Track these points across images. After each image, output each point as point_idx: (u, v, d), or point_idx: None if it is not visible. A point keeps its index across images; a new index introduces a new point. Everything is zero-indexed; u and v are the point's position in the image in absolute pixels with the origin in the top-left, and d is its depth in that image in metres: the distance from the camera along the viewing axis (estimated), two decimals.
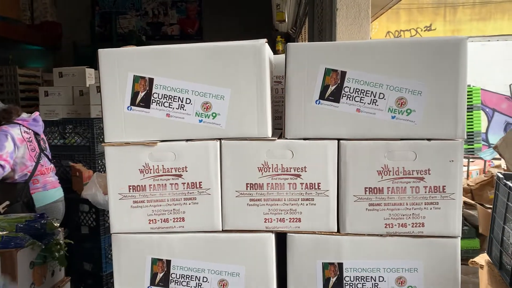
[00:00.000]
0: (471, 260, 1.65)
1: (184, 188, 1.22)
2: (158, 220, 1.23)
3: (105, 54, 1.20)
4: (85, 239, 2.90)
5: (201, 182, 1.22)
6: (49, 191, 2.71)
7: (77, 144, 3.21)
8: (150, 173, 1.22)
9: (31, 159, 2.57)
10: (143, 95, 1.21)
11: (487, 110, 8.10)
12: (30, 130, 2.63)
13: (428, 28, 8.67)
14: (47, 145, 2.80)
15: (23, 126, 2.59)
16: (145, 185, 1.22)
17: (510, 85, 8.25)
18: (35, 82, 7.00)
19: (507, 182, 1.39)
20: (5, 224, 1.95)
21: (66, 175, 3.21)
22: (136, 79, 1.20)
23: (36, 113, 2.75)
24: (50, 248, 2.00)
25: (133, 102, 1.21)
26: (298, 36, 5.27)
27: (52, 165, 2.80)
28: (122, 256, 1.25)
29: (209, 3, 7.35)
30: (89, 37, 7.83)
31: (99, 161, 3.19)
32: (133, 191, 1.23)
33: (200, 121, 1.21)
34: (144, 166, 1.22)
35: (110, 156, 1.22)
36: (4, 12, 6.67)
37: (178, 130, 1.21)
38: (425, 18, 8.69)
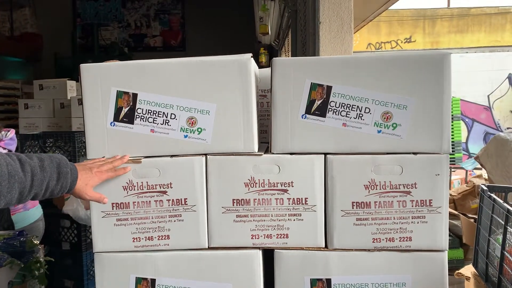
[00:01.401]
0: (457, 272, 1.65)
1: (169, 205, 1.19)
2: (142, 238, 1.20)
3: (87, 69, 1.18)
4: (66, 256, 2.83)
5: (186, 198, 1.19)
6: (29, 211, 2.62)
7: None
8: (134, 190, 1.19)
9: None
10: (126, 110, 1.18)
11: (466, 120, 8.27)
12: (6, 149, 2.56)
13: (408, 40, 8.84)
14: None
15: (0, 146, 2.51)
16: (128, 202, 1.19)
17: (488, 96, 8.44)
18: (14, 94, 6.87)
19: (491, 195, 1.40)
20: None
21: None
22: (120, 94, 1.18)
23: (12, 131, 2.67)
24: (29, 266, 1.94)
25: (116, 118, 1.19)
26: (281, 48, 5.31)
27: None
28: (105, 275, 1.21)
29: (192, 15, 7.35)
30: (71, 48, 7.73)
31: None
32: (116, 209, 1.20)
33: (185, 136, 1.19)
34: (127, 183, 1.19)
35: None
36: None
37: (162, 146, 1.19)
38: (405, 31, 8.88)
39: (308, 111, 1.16)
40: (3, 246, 1.92)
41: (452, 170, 4.10)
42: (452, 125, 5.13)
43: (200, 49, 7.19)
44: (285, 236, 1.19)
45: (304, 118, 1.17)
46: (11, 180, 1.00)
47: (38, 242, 2.03)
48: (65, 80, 5.03)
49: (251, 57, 1.20)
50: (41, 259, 2.03)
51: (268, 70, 1.29)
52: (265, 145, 1.28)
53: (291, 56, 3.10)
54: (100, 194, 1.16)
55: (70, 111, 4.69)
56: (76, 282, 2.83)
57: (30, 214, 2.60)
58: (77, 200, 2.69)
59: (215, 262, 1.20)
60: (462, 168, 3.97)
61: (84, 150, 3.26)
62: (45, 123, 4.89)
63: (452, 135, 5.31)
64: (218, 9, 7.07)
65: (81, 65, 1.18)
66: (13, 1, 7.59)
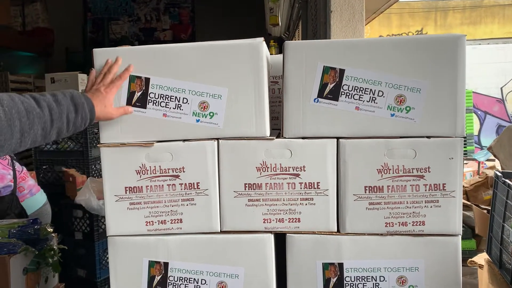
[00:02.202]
0: (470, 260, 1.64)
1: (181, 189, 1.20)
2: (155, 222, 1.21)
3: (99, 54, 1.18)
4: (79, 245, 2.86)
5: (198, 182, 1.20)
6: (35, 196, 2.65)
7: (70, 149, 3.17)
8: (147, 174, 1.20)
9: (5, 168, 2.48)
10: (139, 95, 1.19)
11: (479, 113, 8.16)
12: None
13: (419, 32, 8.74)
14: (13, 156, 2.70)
15: None
16: (141, 186, 1.20)
17: (501, 88, 8.32)
18: (27, 88, 6.94)
19: (506, 180, 1.38)
20: None
21: (59, 180, 3.17)
22: (132, 78, 1.19)
23: None
24: (43, 254, 1.97)
25: (129, 102, 1.19)
26: (291, 40, 5.28)
27: (24, 168, 2.70)
28: (119, 259, 1.23)
29: (202, 8, 7.35)
30: (81, 43, 7.78)
31: (93, 166, 3.15)
32: (129, 193, 1.20)
33: (198, 120, 1.19)
34: (140, 167, 1.20)
35: (106, 157, 1.20)
36: None
37: (175, 130, 1.20)
38: (416, 23, 8.78)
39: (320, 94, 1.16)
40: (17, 234, 1.94)
41: (464, 162, 4.06)
42: None
43: (209, 41, 7.21)
44: (297, 220, 1.19)
45: (317, 102, 1.16)
46: (30, 116, 1.00)
47: (52, 230, 2.05)
48: (76, 74, 5.06)
49: (263, 41, 1.20)
50: (54, 247, 2.06)
51: (279, 56, 1.29)
52: (277, 131, 1.28)
53: None
54: (122, 107, 1.17)
55: None
56: (89, 271, 2.86)
57: (37, 199, 2.63)
58: (90, 190, 2.72)
59: (227, 246, 1.20)
60: (474, 159, 3.92)
61: (96, 141, 3.29)
62: None
63: None
64: (228, 1, 7.06)
65: (94, 49, 1.19)
66: None
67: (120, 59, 1.17)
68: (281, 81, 1.24)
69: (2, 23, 6.88)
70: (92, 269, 2.84)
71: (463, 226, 2.58)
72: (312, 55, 1.15)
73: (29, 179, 2.62)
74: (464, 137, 1.14)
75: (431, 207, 1.16)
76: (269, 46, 5.74)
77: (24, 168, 2.67)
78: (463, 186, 3.18)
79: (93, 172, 3.16)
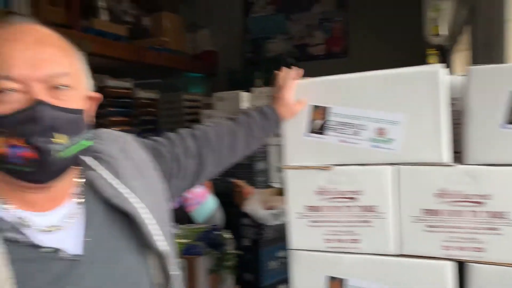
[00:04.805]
0: None
1: (358, 211, 1.27)
2: (334, 240, 1.30)
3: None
4: (246, 251, 3.12)
5: (375, 206, 1.25)
6: (205, 204, 2.94)
7: (238, 162, 3.50)
8: (326, 195, 1.30)
9: None
10: (319, 122, 1.30)
11: None
12: None
13: None
14: None
15: None
16: (321, 206, 1.31)
17: None
18: (197, 106, 7.83)
19: None
20: (188, 233, 2.24)
21: (229, 189, 3.53)
22: (313, 108, 1.31)
23: None
24: (223, 257, 2.23)
25: (310, 129, 1.31)
26: (453, 49, 4.95)
27: None
28: (299, 271, 1.35)
29: (355, 21, 7.35)
30: (240, 63, 8.47)
31: (258, 179, 3.43)
32: (309, 211, 1.32)
33: (374, 146, 1.25)
34: (320, 188, 1.30)
35: (289, 178, 1.34)
36: (173, 45, 7.64)
37: (352, 155, 1.27)
38: None
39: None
40: (203, 237, 2.24)
41: None
42: None
43: (363, 54, 7.14)
44: (480, 250, 1.15)
45: (505, 128, 1.12)
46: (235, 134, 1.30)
47: (230, 236, 2.31)
48: (238, 92, 5.57)
49: (442, 67, 1.20)
50: (231, 252, 2.31)
51: (457, 78, 1.27)
52: (457, 155, 1.26)
53: (471, 59, 2.88)
54: (299, 102, 1.33)
55: None
56: (255, 276, 3.11)
57: (207, 206, 2.94)
58: (257, 201, 2.97)
59: (404, 269, 1.23)
60: None
61: (261, 155, 3.57)
62: None
63: None
64: (382, 11, 6.94)
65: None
66: (196, 24, 8.68)
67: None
68: (457, 103, 1.23)
69: (178, 49, 7.92)
70: (259, 274, 3.07)
71: None
72: (498, 81, 1.11)
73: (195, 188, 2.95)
74: None
75: None
76: (427, 56, 5.47)
77: None
78: None
79: (258, 184, 3.44)
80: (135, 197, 0.97)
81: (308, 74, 1.37)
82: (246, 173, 3.44)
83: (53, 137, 0.83)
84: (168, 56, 7.40)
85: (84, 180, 0.97)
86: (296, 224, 1.33)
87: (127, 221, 0.96)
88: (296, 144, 1.33)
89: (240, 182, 3.35)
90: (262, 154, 3.50)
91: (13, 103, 0.81)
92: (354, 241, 1.27)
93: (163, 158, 1.16)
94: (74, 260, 0.88)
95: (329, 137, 1.29)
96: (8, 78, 0.81)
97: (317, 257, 1.32)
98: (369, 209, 1.25)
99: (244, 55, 8.54)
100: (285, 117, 1.34)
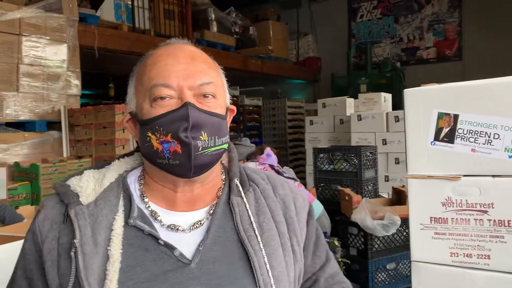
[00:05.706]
0: None
1: (489, 225, 1.19)
2: (460, 254, 1.23)
3: (411, 94, 1.30)
4: (353, 260, 3.08)
5: (509, 220, 1.16)
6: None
7: (345, 170, 3.47)
8: (453, 206, 1.24)
9: None
10: (447, 130, 1.25)
11: None
12: (266, 164, 3.09)
13: None
14: (282, 170, 3.20)
15: (258, 161, 3.14)
16: (447, 218, 1.25)
17: None
18: (299, 112, 7.91)
19: None
20: None
21: (335, 197, 3.51)
22: (441, 115, 1.26)
23: (268, 149, 3.29)
24: None
25: (436, 138, 1.27)
26: None
27: (297, 181, 3.16)
28: (421, 284, 1.30)
29: (470, 21, 6.84)
30: (345, 68, 8.38)
31: (366, 187, 3.36)
32: (434, 223, 1.27)
33: (510, 156, 1.16)
34: (446, 200, 1.25)
35: (412, 187, 1.30)
36: (276, 53, 7.82)
37: (484, 165, 1.20)
38: None
39: None
40: None
41: None
42: None
43: (479, 57, 6.60)
44: None
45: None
46: None
47: (339, 244, 2.30)
48: (344, 98, 5.51)
49: None
50: (340, 260, 2.30)
51: None
52: None
53: None
54: None
55: (349, 126, 5.10)
56: (362, 287, 3.05)
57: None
58: (365, 210, 2.91)
59: None
60: None
61: (369, 163, 3.50)
62: (326, 137, 5.48)
63: None
64: (500, 9, 6.36)
65: (405, 90, 1.32)
66: (299, 31, 8.78)
67: None
68: None
69: (282, 56, 8.09)
70: (365, 286, 3.01)
71: None
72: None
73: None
74: None
75: None
76: None
77: (297, 181, 3.14)
78: None
79: (366, 193, 3.37)
80: (260, 242, 0.99)
81: (419, 78, 1.32)
82: (352, 181, 3.40)
83: (199, 135, 0.94)
84: (272, 64, 7.60)
85: (223, 198, 1.05)
86: (419, 235, 1.29)
87: (246, 253, 0.98)
88: (420, 152, 1.29)
89: (347, 190, 3.31)
90: (370, 162, 3.42)
91: (168, 106, 0.95)
92: (484, 256, 1.20)
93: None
94: (184, 263, 0.94)
95: (458, 146, 1.24)
96: (167, 86, 0.95)
97: (442, 271, 1.26)
98: (501, 223, 1.17)
99: (349, 60, 8.45)
100: None
